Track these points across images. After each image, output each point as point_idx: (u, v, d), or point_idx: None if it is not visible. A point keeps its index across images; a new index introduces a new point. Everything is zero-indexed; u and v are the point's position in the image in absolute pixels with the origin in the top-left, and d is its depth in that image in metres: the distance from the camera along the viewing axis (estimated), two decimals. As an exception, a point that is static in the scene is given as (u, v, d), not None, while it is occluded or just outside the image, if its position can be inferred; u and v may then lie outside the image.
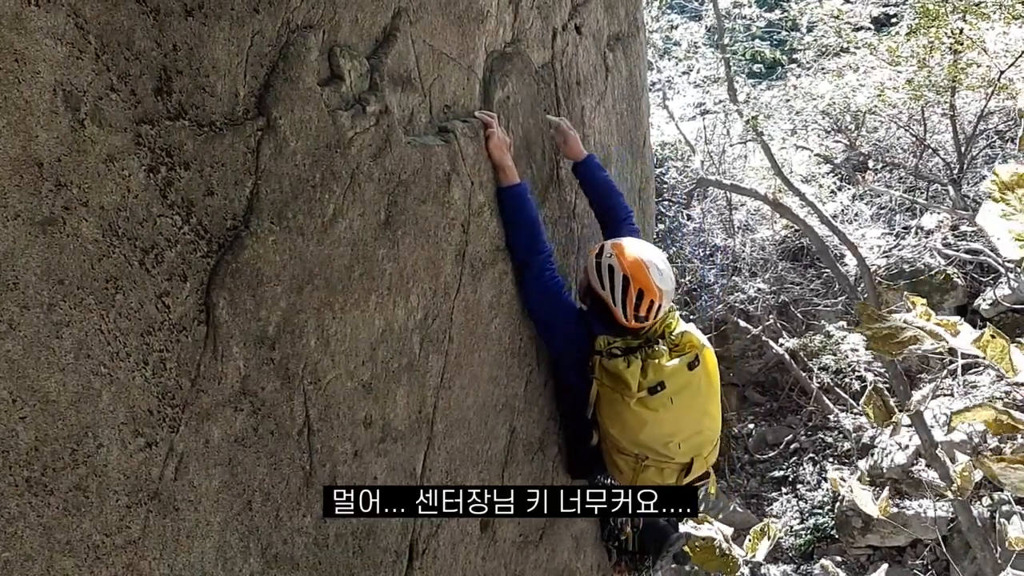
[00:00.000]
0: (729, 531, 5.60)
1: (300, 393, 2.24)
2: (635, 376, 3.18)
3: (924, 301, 3.75)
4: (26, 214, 1.55)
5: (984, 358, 3.61)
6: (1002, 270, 12.01)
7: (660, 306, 3.30)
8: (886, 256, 13.26)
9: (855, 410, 12.97)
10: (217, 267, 1.97)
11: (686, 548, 5.09)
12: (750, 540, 6.72)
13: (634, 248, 3.37)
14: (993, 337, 3.56)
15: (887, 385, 12.15)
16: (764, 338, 13.71)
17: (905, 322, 3.60)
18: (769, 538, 6.82)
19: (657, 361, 3.22)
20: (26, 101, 1.54)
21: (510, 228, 3.24)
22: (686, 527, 5.07)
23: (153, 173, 1.80)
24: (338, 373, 2.37)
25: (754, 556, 6.66)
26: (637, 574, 4.28)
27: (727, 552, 5.52)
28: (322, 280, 2.27)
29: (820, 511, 12.36)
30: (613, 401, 3.26)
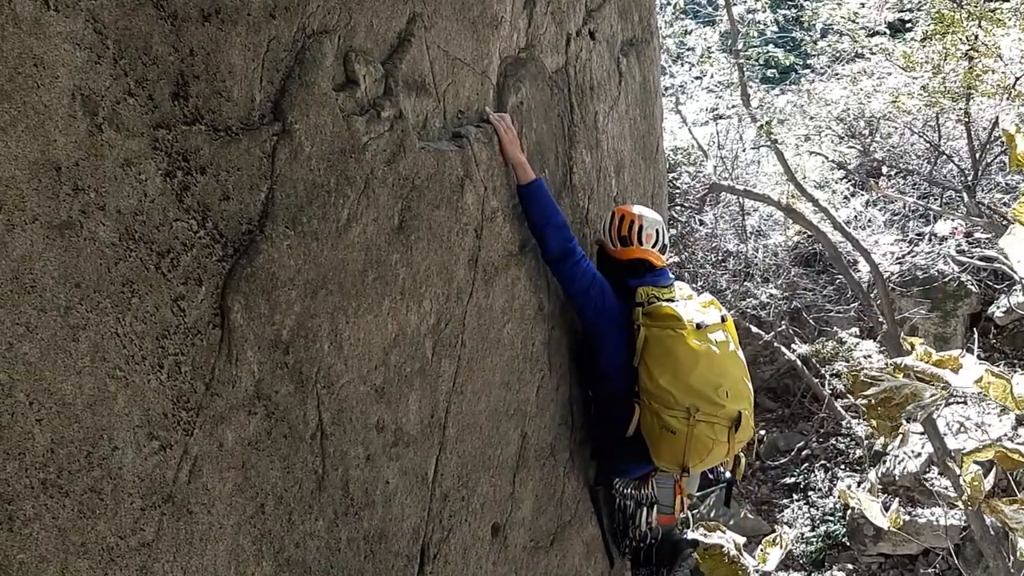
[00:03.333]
0: (742, 540, 5.56)
1: (313, 397, 2.25)
2: (681, 310, 3.40)
3: (922, 341, 3.73)
4: (44, 218, 1.56)
5: (987, 396, 3.57)
6: (1016, 277, 11.93)
7: (641, 227, 3.57)
8: (899, 263, 13.19)
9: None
10: (232, 271, 1.98)
11: (696, 555, 5.07)
12: (761, 549, 6.67)
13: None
14: (995, 377, 3.52)
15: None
16: (776, 344, 13.64)
17: (906, 368, 3.56)
18: (781, 547, 6.77)
19: (693, 309, 3.48)
20: (45, 105, 1.55)
21: (537, 223, 3.28)
22: (695, 534, 5.06)
23: (170, 177, 1.81)
24: (351, 377, 2.37)
25: (764, 565, 6.61)
26: None
27: (736, 560, 5.48)
28: (336, 285, 2.28)
29: (831, 518, 12.29)
30: (663, 339, 3.39)
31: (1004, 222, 10.61)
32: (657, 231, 3.62)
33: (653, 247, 3.59)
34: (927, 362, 3.51)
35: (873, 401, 3.44)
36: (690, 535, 4.90)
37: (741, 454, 3.71)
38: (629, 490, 3.85)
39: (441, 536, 2.84)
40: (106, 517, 1.71)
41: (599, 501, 3.98)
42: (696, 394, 3.34)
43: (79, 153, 1.62)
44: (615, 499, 3.94)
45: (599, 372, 3.66)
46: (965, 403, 11.45)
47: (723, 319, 3.53)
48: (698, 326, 3.37)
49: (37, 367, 1.57)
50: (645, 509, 3.86)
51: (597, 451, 3.88)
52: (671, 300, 3.50)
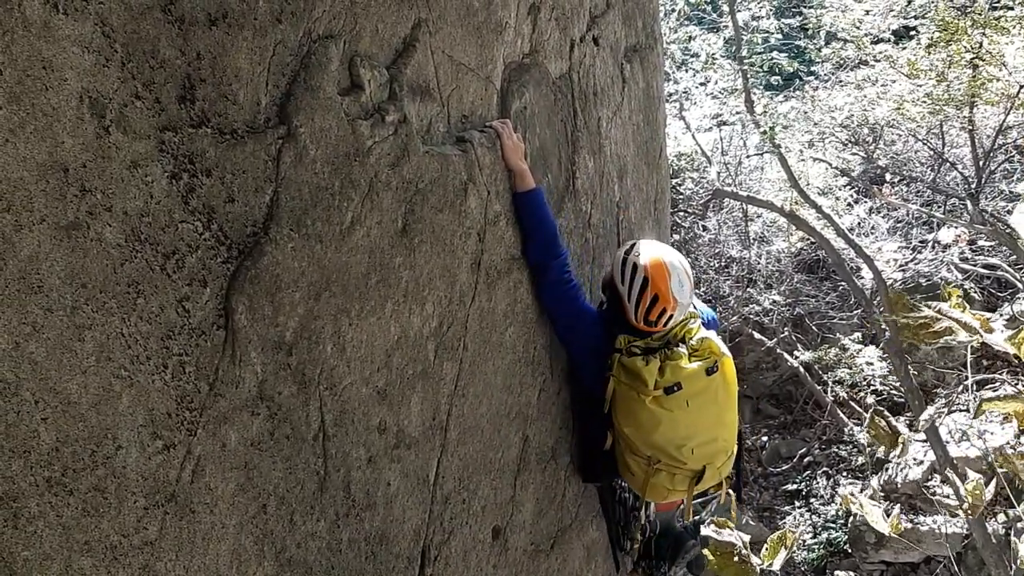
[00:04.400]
0: (747, 538, 5.58)
1: (316, 398, 2.26)
2: (652, 374, 3.18)
3: (960, 292, 3.70)
4: (51, 218, 1.58)
5: (1018, 356, 3.56)
6: (1020, 285, 11.92)
7: (671, 316, 3.29)
8: (902, 270, 13.20)
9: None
10: (237, 273, 2.00)
11: (706, 552, 5.08)
12: (767, 549, 6.68)
13: (663, 253, 3.37)
14: None
15: (902, 400, 12.08)
16: (779, 350, 13.65)
17: (940, 312, 3.56)
18: (787, 547, 6.78)
19: (676, 363, 3.22)
20: (53, 108, 1.57)
21: (527, 233, 3.26)
22: (708, 530, 5.08)
23: (176, 180, 1.83)
24: (353, 379, 2.39)
25: (771, 565, 6.62)
26: None
27: (746, 560, 5.50)
28: (339, 287, 2.30)
29: (833, 525, 12.28)
30: (629, 399, 3.26)
31: (1008, 230, 10.61)
32: (684, 312, 3.33)
33: (671, 325, 3.34)
34: (961, 311, 3.50)
35: (913, 323, 3.42)
36: (703, 531, 4.92)
37: (731, 492, 3.65)
38: (626, 483, 3.86)
39: (442, 538, 2.85)
40: (110, 516, 1.73)
41: (604, 499, 3.99)
42: (658, 449, 3.27)
43: (86, 155, 1.64)
44: (616, 492, 3.94)
45: (583, 385, 3.66)
46: (967, 411, 11.43)
47: (712, 370, 3.25)
48: (668, 391, 3.17)
49: (43, 366, 1.59)
50: (645, 502, 3.87)
51: (584, 456, 3.87)
52: (651, 351, 3.27)
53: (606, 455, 3.55)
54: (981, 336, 3.45)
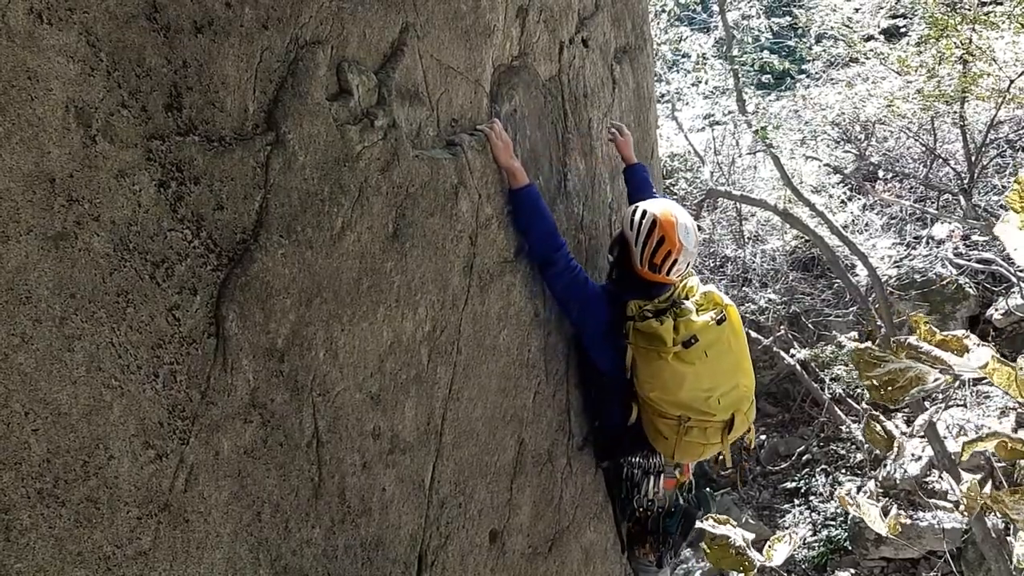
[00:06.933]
0: (751, 536, 5.55)
1: (309, 405, 2.25)
2: (669, 332, 3.28)
3: (927, 319, 3.67)
4: (39, 229, 1.58)
5: (992, 383, 3.53)
6: (1014, 279, 11.95)
7: (676, 261, 3.42)
8: (897, 266, 13.21)
9: (867, 421, 12.88)
10: (227, 280, 1.99)
11: (702, 545, 5.07)
12: (769, 546, 6.65)
13: (671, 205, 3.57)
14: (1000, 363, 3.49)
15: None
16: (775, 349, 13.64)
17: (910, 347, 3.52)
18: (789, 545, 6.73)
19: (687, 318, 3.33)
20: (39, 118, 1.57)
21: (526, 229, 3.30)
22: (704, 524, 5.07)
23: (164, 188, 1.82)
24: (347, 385, 2.38)
25: (771, 560, 6.58)
26: (661, 555, 4.23)
27: (742, 552, 5.46)
28: (331, 293, 2.29)
29: (833, 523, 12.25)
30: (650, 361, 3.35)
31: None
32: (688, 264, 3.49)
33: (676, 275, 3.48)
34: (930, 342, 3.46)
35: (877, 383, 3.40)
36: (698, 525, 4.90)
37: (744, 460, 3.72)
38: (637, 459, 3.87)
39: (439, 543, 2.85)
40: (103, 526, 1.72)
41: (610, 479, 4.01)
42: (686, 407, 3.37)
43: (73, 165, 1.64)
44: (622, 469, 3.95)
45: (601, 367, 3.68)
46: (965, 406, 11.44)
47: (720, 320, 3.38)
48: (686, 344, 3.26)
49: (33, 377, 1.58)
50: (652, 477, 3.87)
51: (602, 438, 3.89)
52: (662, 312, 3.37)
53: (628, 431, 3.62)
54: (952, 370, 3.41)
